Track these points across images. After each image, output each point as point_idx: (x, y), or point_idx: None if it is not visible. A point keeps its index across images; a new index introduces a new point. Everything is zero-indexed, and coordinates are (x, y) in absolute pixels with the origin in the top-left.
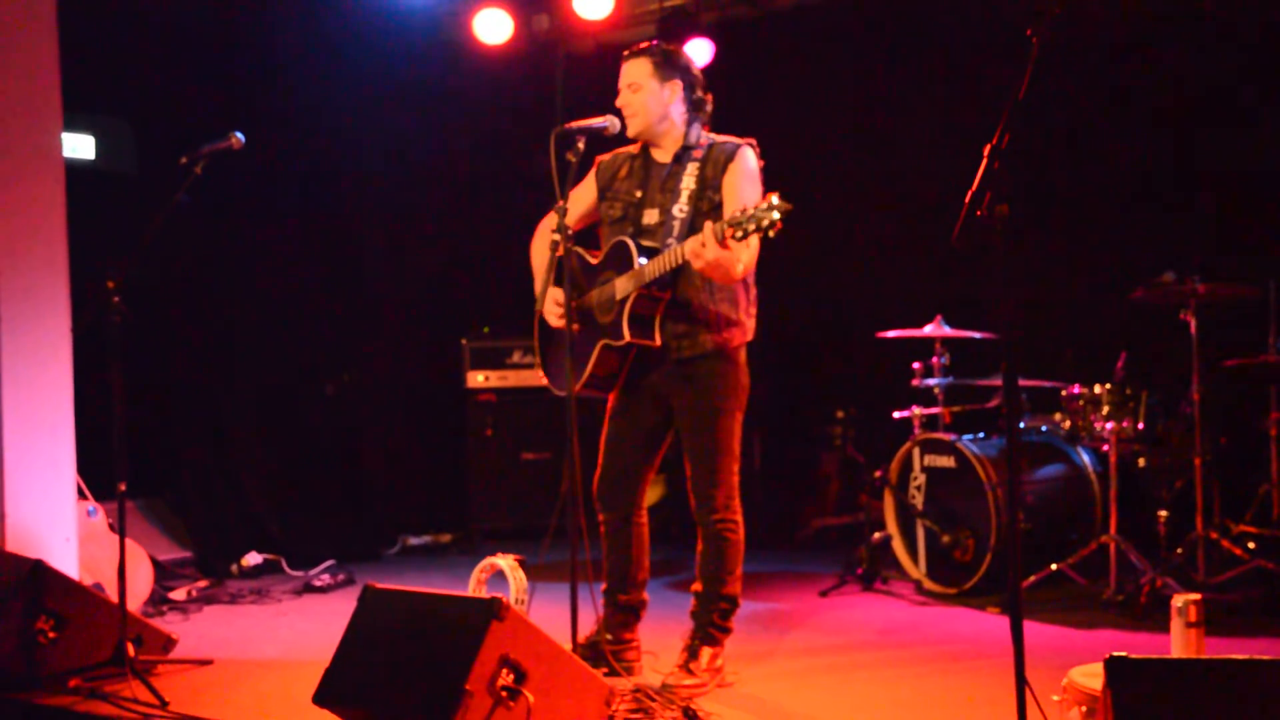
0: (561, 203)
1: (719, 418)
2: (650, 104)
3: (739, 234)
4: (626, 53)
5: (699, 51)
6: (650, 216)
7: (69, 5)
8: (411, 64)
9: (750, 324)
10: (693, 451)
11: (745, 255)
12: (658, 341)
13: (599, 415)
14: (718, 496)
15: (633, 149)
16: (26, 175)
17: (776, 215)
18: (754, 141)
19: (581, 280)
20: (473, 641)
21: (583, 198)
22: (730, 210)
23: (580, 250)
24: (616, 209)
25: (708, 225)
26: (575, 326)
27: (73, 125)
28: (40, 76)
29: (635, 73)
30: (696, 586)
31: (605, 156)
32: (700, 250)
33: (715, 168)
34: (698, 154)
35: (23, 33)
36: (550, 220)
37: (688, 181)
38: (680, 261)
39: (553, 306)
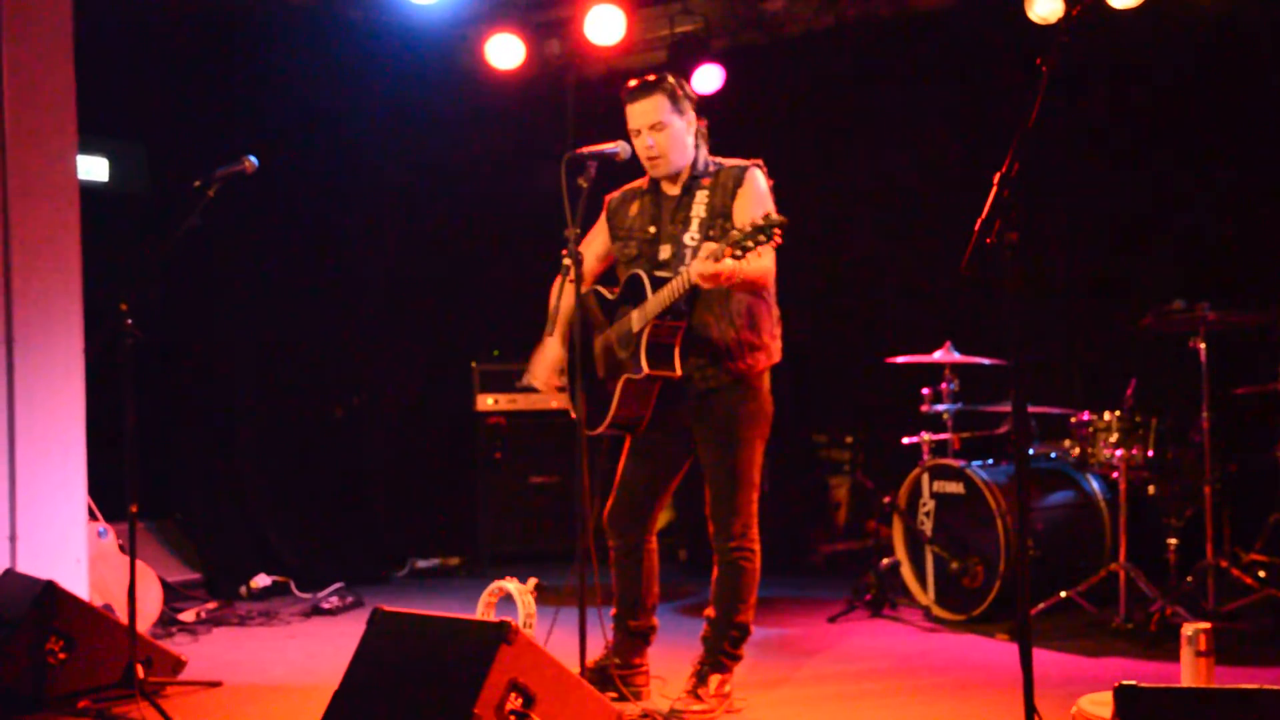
0: (572, 229)
1: (740, 448)
2: (677, 142)
3: (738, 252)
4: (633, 88)
5: (710, 77)
6: (665, 251)
7: (85, 29)
8: (424, 88)
9: (775, 345)
10: (713, 480)
11: (758, 263)
12: (678, 372)
13: (610, 440)
14: (735, 525)
15: (641, 184)
16: (41, 197)
17: (773, 229)
18: (760, 162)
19: (601, 319)
20: (481, 665)
21: (597, 242)
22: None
23: (600, 289)
24: (632, 247)
25: (705, 245)
26: (595, 368)
27: (86, 147)
28: (55, 99)
29: (654, 111)
30: (709, 612)
31: (614, 195)
32: (703, 269)
33: (724, 193)
34: (706, 181)
35: (39, 56)
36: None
37: (698, 209)
38: (688, 285)
39: (544, 374)
